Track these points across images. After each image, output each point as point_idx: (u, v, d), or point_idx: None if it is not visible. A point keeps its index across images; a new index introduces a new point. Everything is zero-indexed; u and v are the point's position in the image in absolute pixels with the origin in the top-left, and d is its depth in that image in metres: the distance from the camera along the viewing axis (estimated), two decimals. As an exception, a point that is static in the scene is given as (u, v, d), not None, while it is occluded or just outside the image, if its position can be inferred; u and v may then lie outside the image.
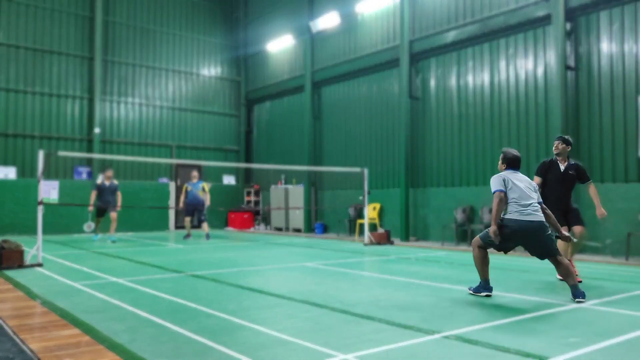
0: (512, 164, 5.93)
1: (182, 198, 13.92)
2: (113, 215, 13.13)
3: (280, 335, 4.04)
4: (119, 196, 13.24)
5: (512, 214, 5.56)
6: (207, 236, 13.96)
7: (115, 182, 13.27)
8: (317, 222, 16.86)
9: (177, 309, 5.05)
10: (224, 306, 5.14)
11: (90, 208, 13.59)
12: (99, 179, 13.19)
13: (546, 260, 5.76)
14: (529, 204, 5.57)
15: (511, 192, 5.65)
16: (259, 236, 15.67)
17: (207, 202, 13.99)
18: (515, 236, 5.56)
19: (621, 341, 3.88)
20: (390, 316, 4.69)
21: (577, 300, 5.36)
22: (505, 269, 7.91)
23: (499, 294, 5.81)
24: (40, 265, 8.13)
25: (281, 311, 4.98)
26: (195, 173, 14.32)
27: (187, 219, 14.17)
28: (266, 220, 19.29)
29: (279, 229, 18.00)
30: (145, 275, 7.35)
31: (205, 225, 14.11)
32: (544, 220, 5.59)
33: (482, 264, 5.75)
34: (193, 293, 5.89)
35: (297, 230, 17.19)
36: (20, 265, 7.95)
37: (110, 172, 13.04)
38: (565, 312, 4.90)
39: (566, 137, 7.17)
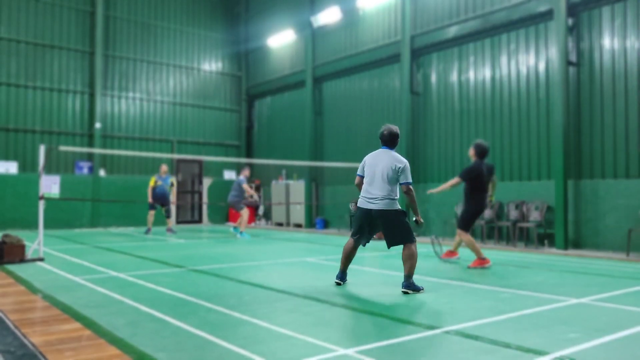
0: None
1: (150, 192, 13.62)
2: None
3: (281, 330, 4.05)
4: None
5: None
6: (171, 230, 14.01)
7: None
8: (318, 217, 16.87)
9: (178, 303, 5.06)
10: (225, 301, 5.15)
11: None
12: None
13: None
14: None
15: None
16: (259, 231, 15.68)
17: (174, 199, 13.87)
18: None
19: (621, 337, 3.89)
20: (391, 311, 4.70)
21: (402, 290, 5.65)
22: (506, 265, 7.92)
23: (500, 290, 5.82)
24: (41, 259, 8.15)
25: (282, 306, 4.99)
26: (164, 167, 13.96)
27: (152, 213, 13.92)
28: (267, 216, 19.31)
29: (280, 224, 18.01)
30: (146, 269, 7.37)
31: (170, 220, 14.22)
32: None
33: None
34: (194, 288, 5.90)
35: (298, 226, 17.21)
36: (22, 259, 7.96)
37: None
38: (566, 308, 4.91)
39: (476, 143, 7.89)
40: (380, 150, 6.02)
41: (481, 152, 7.71)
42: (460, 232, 7.77)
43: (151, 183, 13.76)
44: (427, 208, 13.55)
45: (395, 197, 5.78)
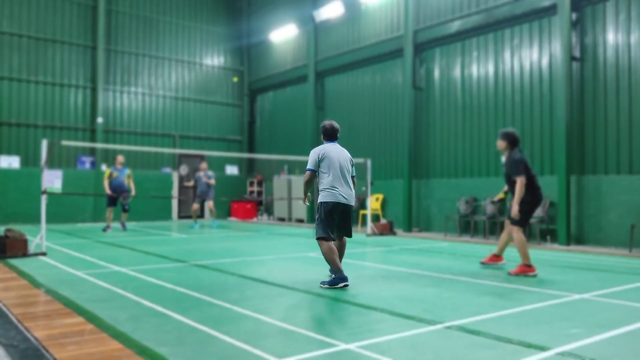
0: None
1: (106, 184, 12.73)
2: (210, 204, 14.57)
3: (283, 324, 4.05)
4: (212, 183, 14.51)
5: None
6: (124, 225, 13.36)
7: (210, 172, 14.68)
8: (319, 212, 16.85)
9: (180, 298, 5.07)
10: (227, 295, 5.15)
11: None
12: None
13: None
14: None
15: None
16: (261, 226, 15.70)
17: (133, 192, 13.08)
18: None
19: (623, 332, 3.88)
20: (393, 306, 4.70)
21: (321, 283, 5.65)
22: (508, 261, 7.90)
23: (501, 285, 5.82)
24: (44, 254, 8.17)
25: (284, 301, 4.99)
26: (121, 158, 13.06)
27: (111, 210, 13.03)
28: (269, 211, 19.32)
29: (282, 219, 18.03)
30: (148, 264, 7.38)
31: (125, 215, 13.42)
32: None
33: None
34: (196, 282, 5.91)
35: (300, 221, 17.22)
36: (24, 254, 7.99)
37: (204, 165, 14.43)
38: (567, 303, 4.90)
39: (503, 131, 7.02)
40: (333, 144, 6.02)
41: (515, 140, 6.77)
42: (514, 229, 6.68)
43: (106, 175, 12.85)
44: (429, 204, 13.54)
45: None
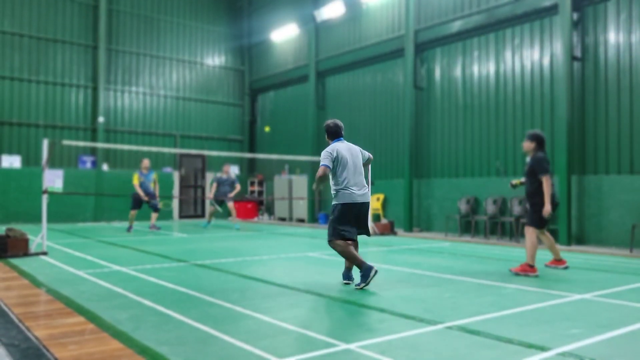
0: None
1: (138, 187, 12.57)
2: (231, 205, 14.23)
3: (283, 324, 4.05)
4: (237, 188, 14.19)
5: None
6: (156, 227, 13.39)
7: (233, 175, 14.37)
8: (320, 212, 16.87)
9: (180, 297, 5.07)
10: (227, 295, 5.15)
11: (210, 196, 14.08)
12: (218, 173, 14.03)
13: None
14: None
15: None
16: (262, 226, 15.70)
17: (157, 198, 13.13)
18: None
19: (624, 333, 3.88)
20: (393, 306, 4.70)
21: (356, 285, 5.57)
22: (509, 261, 7.90)
23: (502, 285, 5.82)
24: (45, 253, 8.18)
25: (284, 300, 4.99)
26: (146, 163, 12.89)
27: (135, 212, 12.86)
28: (270, 210, 19.32)
29: (283, 219, 18.03)
30: (149, 264, 7.38)
31: (155, 215, 13.48)
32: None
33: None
34: (196, 282, 5.92)
35: (301, 221, 17.21)
36: (25, 253, 7.99)
37: (227, 167, 14.24)
38: (568, 304, 4.90)
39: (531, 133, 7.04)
40: (341, 141, 5.90)
41: (542, 141, 6.80)
42: (529, 229, 6.71)
43: (135, 179, 12.66)
44: (430, 204, 13.54)
45: None
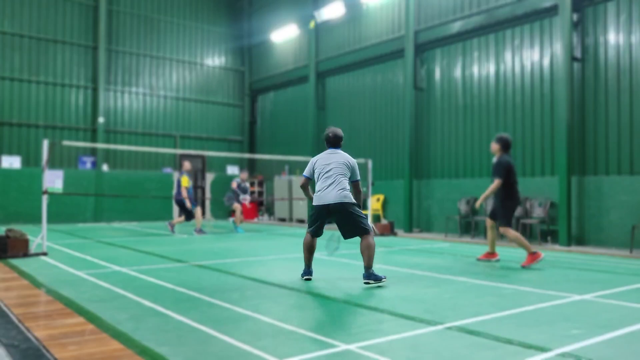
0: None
1: (185, 192, 12.16)
2: (236, 206, 13.52)
3: (283, 325, 4.05)
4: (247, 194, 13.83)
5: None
6: (201, 231, 12.58)
7: (247, 184, 14.01)
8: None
9: (180, 298, 5.07)
10: (227, 296, 5.15)
11: (236, 203, 13.48)
12: (237, 180, 13.72)
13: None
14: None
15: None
16: (262, 227, 15.70)
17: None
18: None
19: (624, 333, 3.88)
20: (393, 307, 4.70)
21: (364, 282, 5.70)
22: (509, 261, 7.90)
23: (502, 286, 5.82)
24: (45, 254, 8.18)
25: (284, 301, 4.99)
26: (189, 165, 12.53)
27: (199, 210, 12.63)
28: (270, 211, 19.32)
29: (283, 220, 18.03)
30: (148, 264, 7.38)
31: (180, 220, 12.70)
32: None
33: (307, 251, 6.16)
34: (196, 282, 5.91)
35: (301, 221, 17.22)
36: (25, 254, 7.99)
37: (245, 175, 13.92)
38: (568, 304, 4.90)
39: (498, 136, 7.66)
40: (330, 151, 6.12)
41: (507, 144, 7.46)
42: (503, 229, 7.34)
43: (185, 182, 12.12)
44: (430, 204, 13.54)
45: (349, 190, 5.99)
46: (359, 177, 6.09)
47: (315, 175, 6.04)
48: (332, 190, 5.82)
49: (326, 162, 5.99)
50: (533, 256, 7.11)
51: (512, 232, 7.26)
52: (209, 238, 11.69)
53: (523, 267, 7.11)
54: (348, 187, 5.94)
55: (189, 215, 12.34)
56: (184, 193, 12.10)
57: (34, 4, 16.13)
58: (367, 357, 3.27)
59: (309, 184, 6.19)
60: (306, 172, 6.15)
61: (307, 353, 3.35)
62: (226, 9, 20.35)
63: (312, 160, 6.13)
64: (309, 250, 6.13)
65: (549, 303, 4.91)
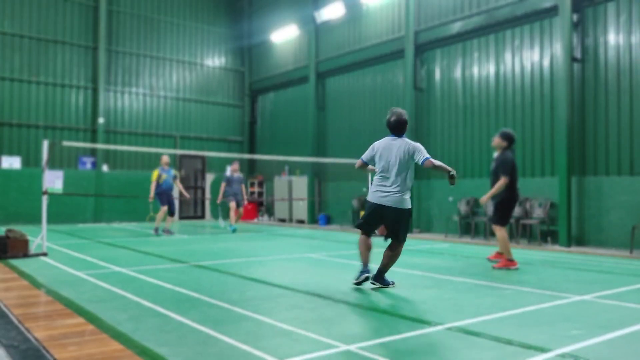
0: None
1: (153, 187, 11.95)
2: (232, 205, 13.28)
3: (283, 325, 4.05)
4: (243, 187, 13.50)
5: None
6: (169, 231, 12.38)
7: (241, 174, 13.66)
8: (320, 213, 16.87)
9: (180, 298, 5.07)
10: (227, 296, 5.15)
11: (220, 197, 13.42)
12: (228, 172, 13.49)
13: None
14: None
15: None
16: (262, 227, 15.70)
17: (186, 194, 13.00)
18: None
19: (624, 334, 3.88)
20: (393, 307, 4.70)
21: (372, 282, 5.59)
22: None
23: (502, 286, 5.81)
24: (44, 254, 8.17)
25: (284, 302, 4.99)
26: (166, 159, 12.32)
27: (165, 209, 12.09)
28: (270, 211, 19.31)
29: (283, 220, 18.03)
30: (148, 265, 7.38)
31: (171, 219, 12.61)
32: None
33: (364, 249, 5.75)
34: (196, 283, 5.91)
35: (301, 222, 17.22)
36: (25, 254, 7.99)
37: (236, 165, 13.46)
38: (568, 305, 4.90)
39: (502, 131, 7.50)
40: (392, 138, 5.62)
41: (513, 141, 7.22)
42: (496, 227, 7.20)
43: (154, 177, 12.02)
44: (430, 204, 13.54)
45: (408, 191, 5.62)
46: (426, 155, 5.37)
47: (376, 162, 5.62)
48: (390, 191, 5.47)
49: (387, 152, 5.50)
50: (509, 262, 7.04)
51: (502, 233, 7.12)
52: (209, 238, 11.69)
53: (494, 268, 7.07)
54: (407, 185, 5.52)
55: (171, 210, 12.31)
56: (152, 187, 12.00)
57: (34, 4, 16.13)
58: (367, 358, 3.27)
59: (365, 167, 5.83)
60: (364, 157, 5.72)
61: (307, 353, 3.35)
62: (226, 9, 20.35)
63: (373, 145, 5.65)
64: (367, 248, 5.71)
65: (549, 303, 4.91)
